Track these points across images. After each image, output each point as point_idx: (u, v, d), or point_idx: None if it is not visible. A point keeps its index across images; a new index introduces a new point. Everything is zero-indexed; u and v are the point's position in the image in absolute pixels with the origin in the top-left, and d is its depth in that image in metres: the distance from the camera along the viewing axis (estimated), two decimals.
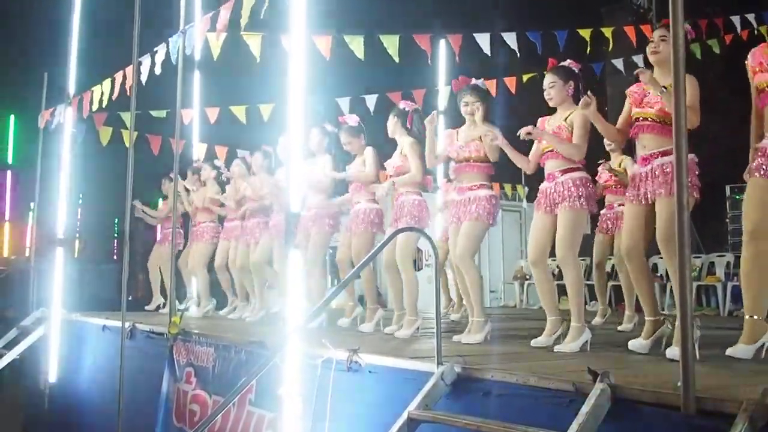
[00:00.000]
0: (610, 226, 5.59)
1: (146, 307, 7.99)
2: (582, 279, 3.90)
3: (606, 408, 2.35)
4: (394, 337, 4.74)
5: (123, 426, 5.12)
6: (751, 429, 1.99)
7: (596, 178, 5.48)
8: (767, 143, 3.09)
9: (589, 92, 3.69)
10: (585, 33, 7.29)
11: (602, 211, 5.65)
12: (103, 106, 7.30)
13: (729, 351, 3.03)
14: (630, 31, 7.51)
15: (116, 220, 20.00)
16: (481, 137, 4.36)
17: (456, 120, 4.83)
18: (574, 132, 3.86)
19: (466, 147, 4.42)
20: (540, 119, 4.11)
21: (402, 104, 5.13)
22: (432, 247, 3.49)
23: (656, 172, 3.41)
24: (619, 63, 8.17)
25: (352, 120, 5.51)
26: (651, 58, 3.57)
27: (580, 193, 3.80)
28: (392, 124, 5.05)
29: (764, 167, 3.05)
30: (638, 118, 3.54)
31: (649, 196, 3.44)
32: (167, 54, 6.20)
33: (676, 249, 2.31)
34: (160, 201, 8.09)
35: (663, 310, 6.23)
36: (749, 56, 3.22)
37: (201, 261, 7.22)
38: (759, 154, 3.11)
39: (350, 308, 5.48)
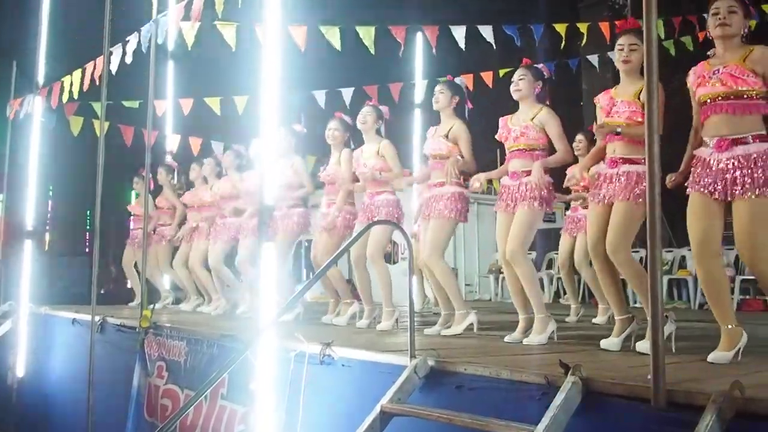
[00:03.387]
0: (572, 227, 5.55)
1: (130, 304, 7.75)
2: (534, 271, 3.96)
3: (577, 401, 2.36)
4: (368, 330, 4.73)
5: (93, 420, 5.06)
6: (719, 421, 2.01)
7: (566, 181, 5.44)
8: (704, 152, 3.09)
9: None
10: (561, 28, 7.31)
11: (567, 213, 5.62)
12: (74, 97, 7.16)
13: (710, 357, 2.94)
14: (605, 27, 7.55)
15: (88, 213, 19.66)
16: (447, 134, 4.39)
17: (433, 115, 4.82)
18: (555, 137, 3.93)
19: (437, 145, 4.44)
20: (501, 119, 4.16)
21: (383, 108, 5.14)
22: (406, 240, 3.48)
23: (621, 177, 3.42)
24: (594, 59, 8.23)
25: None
26: (621, 67, 3.51)
27: (542, 195, 3.88)
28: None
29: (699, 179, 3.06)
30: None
31: (607, 198, 3.46)
32: (139, 43, 6.10)
33: (648, 244, 2.31)
34: (133, 195, 7.93)
35: (634, 304, 6.29)
36: (690, 74, 3.19)
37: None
38: (695, 162, 3.10)
39: (345, 306, 5.39)
